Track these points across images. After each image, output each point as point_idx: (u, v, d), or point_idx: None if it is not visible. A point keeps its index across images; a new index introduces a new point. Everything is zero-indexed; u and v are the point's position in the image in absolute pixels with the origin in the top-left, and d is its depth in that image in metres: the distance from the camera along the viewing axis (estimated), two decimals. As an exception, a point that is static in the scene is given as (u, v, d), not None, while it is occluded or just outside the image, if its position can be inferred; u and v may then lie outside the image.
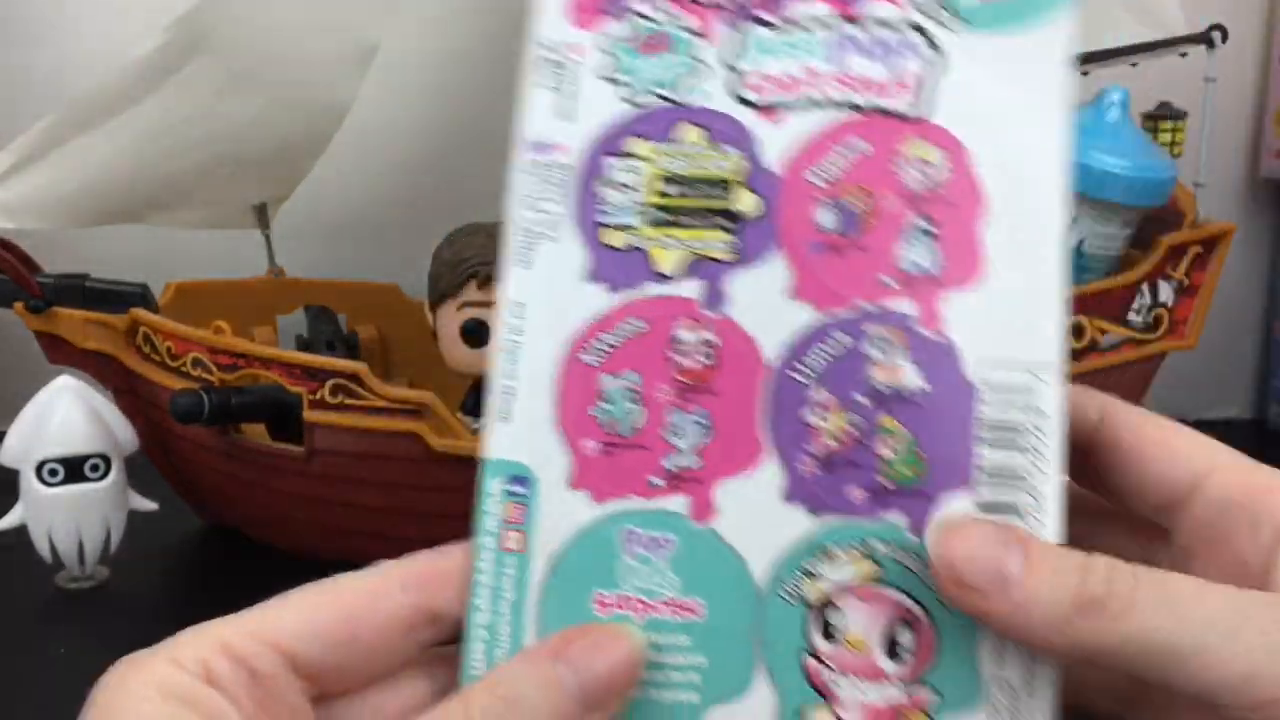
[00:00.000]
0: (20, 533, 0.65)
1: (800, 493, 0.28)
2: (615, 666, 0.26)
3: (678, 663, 0.28)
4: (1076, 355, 0.68)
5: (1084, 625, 0.24)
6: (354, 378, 0.63)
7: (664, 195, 0.29)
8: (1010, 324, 0.28)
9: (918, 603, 0.28)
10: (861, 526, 0.28)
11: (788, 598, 0.28)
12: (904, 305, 0.28)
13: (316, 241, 0.83)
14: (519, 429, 0.28)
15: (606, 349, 0.28)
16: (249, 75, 0.62)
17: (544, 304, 0.28)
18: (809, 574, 0.28)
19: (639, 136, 0.30)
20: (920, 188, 0.29)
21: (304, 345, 0.77)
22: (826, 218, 0.28)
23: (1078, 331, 0.68)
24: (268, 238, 0.77)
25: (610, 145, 0.30)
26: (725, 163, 0.29)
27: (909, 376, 0.28)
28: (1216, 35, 0.69)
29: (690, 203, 0.29)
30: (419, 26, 0.76)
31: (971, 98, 0.29)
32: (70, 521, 0.64)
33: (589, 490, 0.28)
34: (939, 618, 0.28)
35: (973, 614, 0.25)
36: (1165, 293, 0.69)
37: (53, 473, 0.63)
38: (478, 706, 0.24)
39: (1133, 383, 0.72)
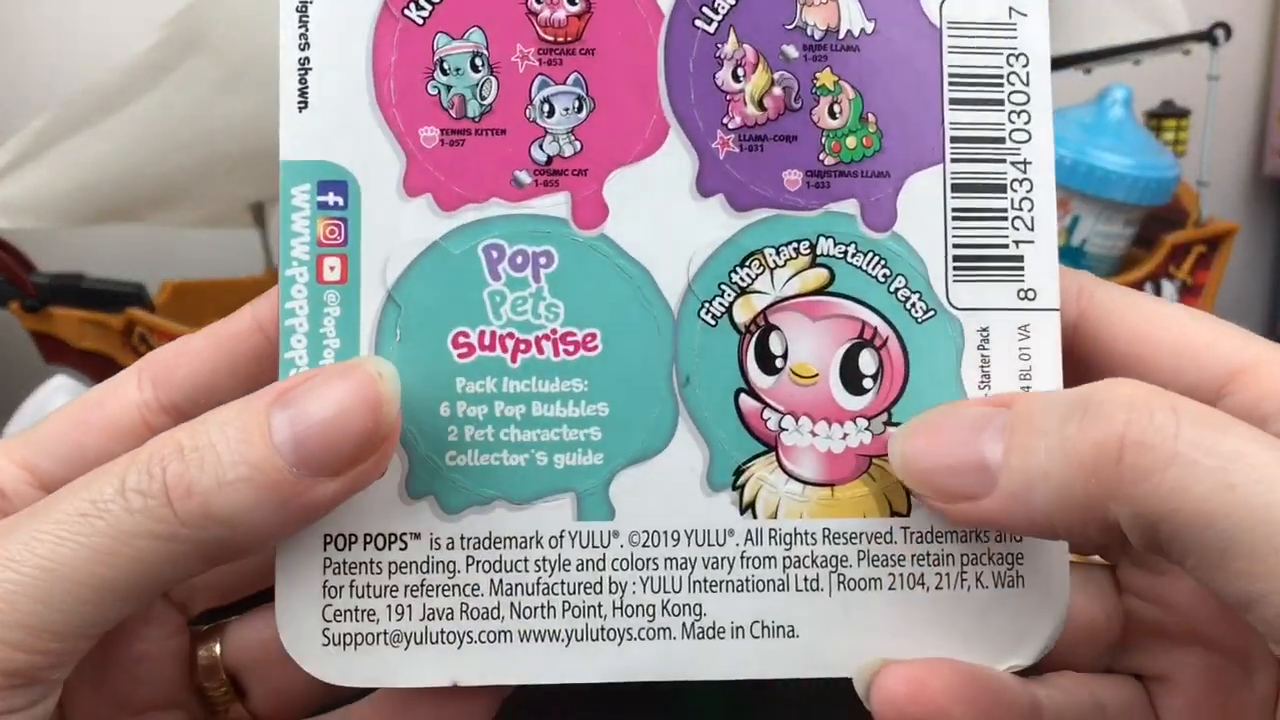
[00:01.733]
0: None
1: (718, 181, 0.21)
2: (339, 405, 0.18)
3: (571, 414, 0.20)
4: None
5: (1101, 492, 0.17)
6: None
7: None
8: None
9: (881, 316, 0.20)
10: (801, 220, 0.21)
11: (711, 320, 0.20)
12: (839, -79, 0.21)
13: None
14: (324, 117, 0.20)
15: (437, 1, 0.21)
16: (246, 73, 0.60)
17: None
18: (738, 288, 0.20)
19: None
20: None
21: None
22: None
23: None
24: (265, 237, 0.74)
25: None
26: None
27: (851, 15, 0.21)
28: (1220, 33, 0.68)
29: None
30: None
31: None
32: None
33: (432, 194, 0.20)
34: (908, 334, 0.20)
35: (969, 524, 0.19)
36: (1168, 292, 0.67)
37: (50, 472, 0.60)
38: (144, 453, 0.18)
39: None
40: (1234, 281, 0.76)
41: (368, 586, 0.20)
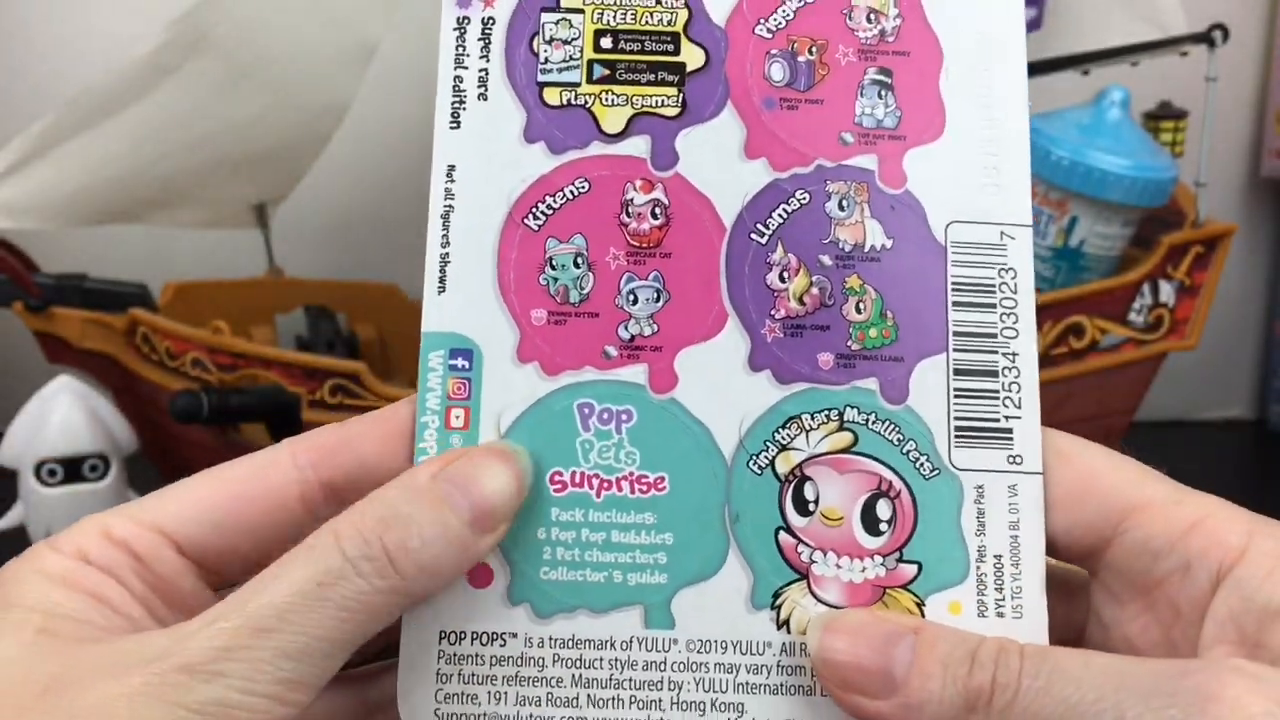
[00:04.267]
0: (19, 533, 0.63)
1: (766, 359, 0.26)
2: (500, 477, 0.24)
3: (643, 542, 0.25)
4: (1077, 355, 0.66)
5: None
6: (354, 378, 0.62)
7: (602, 50, 0.27)
8: (976, 180, 0.27)
9: (895, 472, 0.25)
10: (832, 393, 0.26)
11: (758, 470, 0.25)
12: (865, 161, 0.27)
13: (316, 241, 0.82)
14: (458, 299, 0.26)
15: (550, 212, 0.27)
16: (248, 75, 0.62)
17: (478, 166, 0.27)
18: (780, 445, 0.26)
19: None
20: (873, 39, 0.27)
21: (303, 345, 0.75)
22: (777, 71, 0.27)
23: (1078, 331, 0.66)
24: (267, 237, 0.76)
25: None
26: (665, 14, 0.27)
27: (874, 234, 0.27)
28: (1217, 34, 0.68)
29: (631, 57, 0.27)
30: (419, 26, 0.74)
31: None
32: (69, 521, 0.59)
33: (539, 362, 0.26)
34: (917, 487, 0.25)
35: (862, 716, 0.23)
36: (1166, 293, 0.67)
37: (52, 473, 0.62)
38: (348, 528, 0.22)
39: (1133, 383, 0.70)
40: (1231, 282, 0.75)
41: (473, 675, 0.24)
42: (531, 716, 0.24)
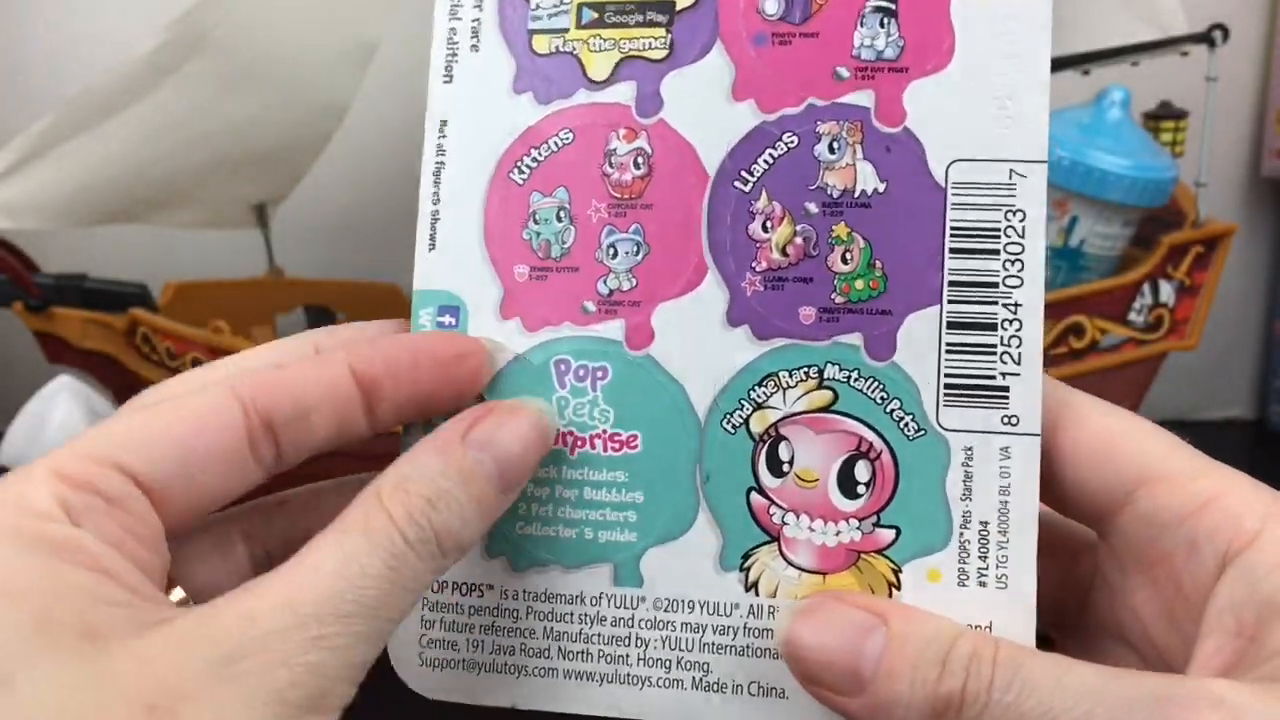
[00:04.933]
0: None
1: (744, 314, 0.25)
2: (526, 439, 0.23)
3: (614, 500, 0.25)
4: (1077, 355, 0.65)
5: None
6: None
7: None
8: (985, 113, 0.25)
9: (876, 432, 0.24)
10: (812, 349, 0.25)
11: (731, 429, 0.25)
12: (861, 98, 0.25)
13: (316, 241, 0.82)
14: (447, 257, 0.26)
15: (535, 165, 0.26)
16: (248, 74, 0.62)
17: (469, 120, 0.27)
18: (755, 404, 0.25)
19: None
20: None
21: None
22: (771, 3, 0.25)
23: (1078, 331, 0.64)
24: (267, 237, 0.76)
25: None
26: None
27: (866, 177, 0.25)
28: (1218, 34, 0.67)
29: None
30: (419, 26, 0.76)
31: None
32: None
33: (520, 318, 0.26)
34: (900, 449, 0.24)
35: (829, 708, 0.22)
36: (1166, 293, 0.66)
37: (52, 472, 0.64)
38: (400, 509, 0.21)
39: (1133, 383, 0.69)
40: (1231, 282, 0.76)
41: (453, 623, 0.26)
42: (506, 665, 0.25)
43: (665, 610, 0.25)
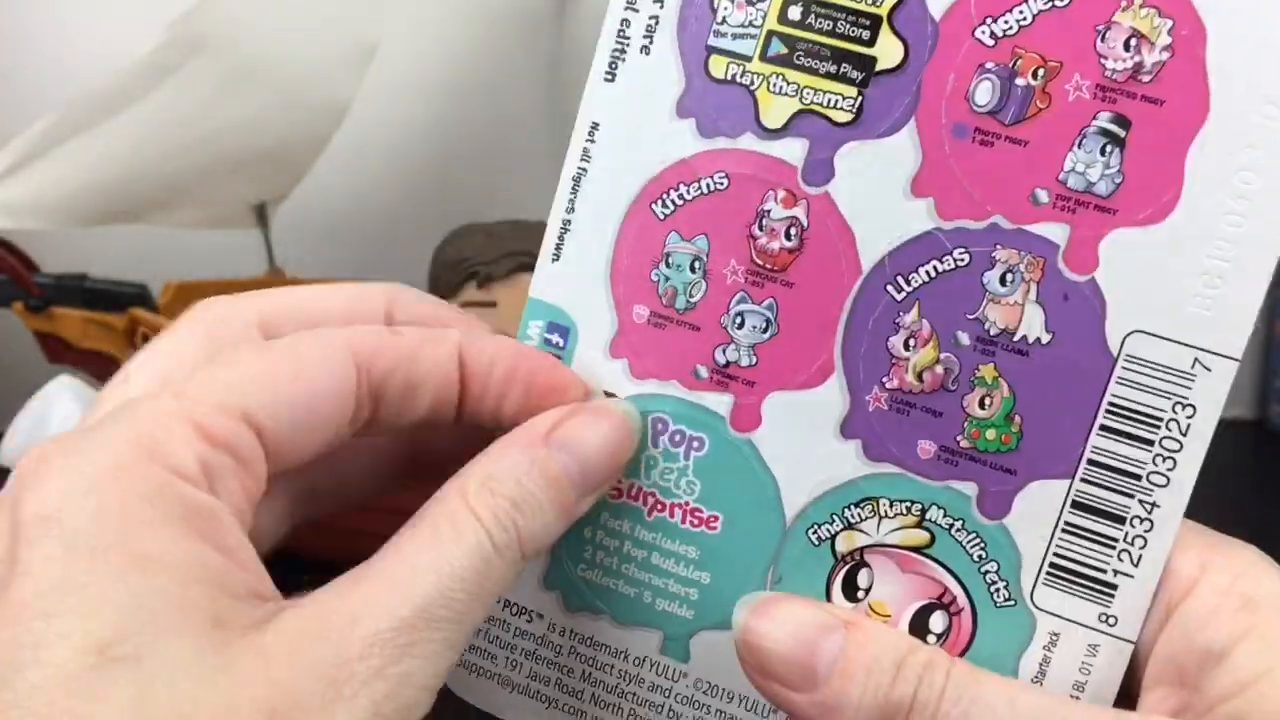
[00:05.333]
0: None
1: (860, 429, 0.23)
2: (612, 444, 0.23)
3: (680, 573, 0.25)
4: None
5: None
6: None
7: (788, 22, 0.23)
8: (1187, 286, 0.22)
9: (964, 589, 0.23)
10: (921, 485, 0.23)
11: (816, 541, 0.24)
12: (1053, 231, 0.22)
13: (316, 241, 0.81)
14: (569, 273, 0.25)
15: (681, 202, 0.24)
16: (248, 75, 0.61)
17: (622, 131, 0.24)
18: (847, 522, 0.23)
19: None
20: (1122, 72, 0.22)
21: None
22: (984, 91, 0.22)
23: None
24: (267, 237, 0.74)
25: None
26: None
27: (1031, 323, 0.22)
28: None
29: (817, 37, 0.23)
30: (419, 26, 0.73)
31: None
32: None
33: (628, 361, 0.25)
34: (983, 612, 0.23)
35: (775, 703, 0.22)
36: None
37: (52, 473, 0.63)
38: (487, 512, 0.21)
39: None
40: None
41: (497, 637, 0.26)
42: (538, 692, 0.26)
43: (705, 693, 0.25)
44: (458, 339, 0.23)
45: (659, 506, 0.25)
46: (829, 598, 0.24)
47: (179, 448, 0.19)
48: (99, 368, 0.67)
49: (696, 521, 0.24)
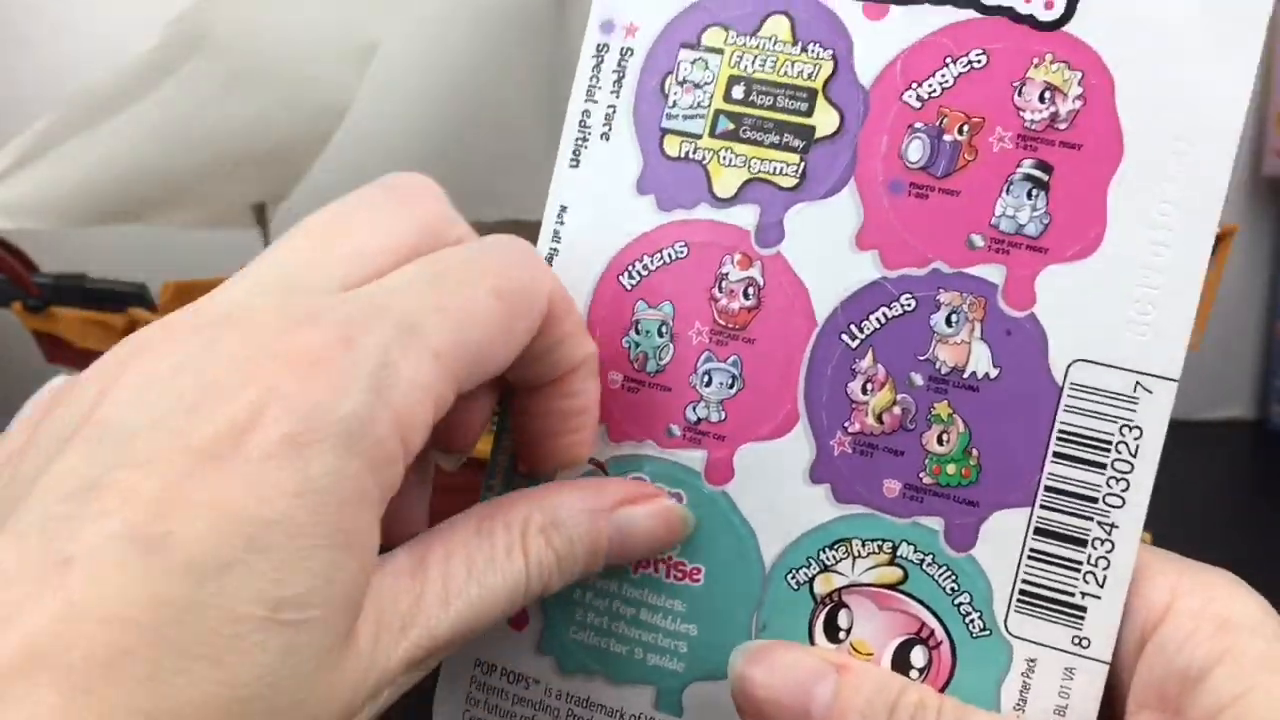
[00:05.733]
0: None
1: (828, 473, 0.24)
2: (656, 540, 0.25)
3: (668, 627, 0.25)
4: None
5: None
6: None
7: (732, 100, 0.25)
8: (1121, 314, 0.23)
9: (940, 621, 0.24)
10: (890, 524, 0.24)
11: (795, 585, 0.25)
12: (991, 273, 0.24)
13: None
14: None
15: (646, 273, 0.26)
16: (248, 74, 0.62)
17: (588, 212, 0.26)
18: (823, 565, 0.24)
19: (721, 25, 0.25)
20: (1040, 122, 0.23)
21: None
22: (915, 149, 0.24)
23: None
24: (267, 237, 0.74)
25: (687, 32, 0.26)
26: (809, 65, 0.25)
27: (979, 359, 0.24)
28: None
29: (760, 113, 0.25)
30: (419, 26, 0.73)
31: (1135, 10, 0.23)
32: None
33: (607, 425, 0.26)
34: (961, 644, 0.23)
35: None
36: None
37: (52, 475, 0.62)
38: (535, 556, 0.22)
39: None
40: (1232, 281, 0.78)
41: (496, 706, 0.26)
42: None
43: None
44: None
45: (643, 564, 0.26)
46: (812, 640, 0.24)
47: (400, 420, 0.19)
48: (98, 367, 0.69)
49: (680, 575, 0.25)
